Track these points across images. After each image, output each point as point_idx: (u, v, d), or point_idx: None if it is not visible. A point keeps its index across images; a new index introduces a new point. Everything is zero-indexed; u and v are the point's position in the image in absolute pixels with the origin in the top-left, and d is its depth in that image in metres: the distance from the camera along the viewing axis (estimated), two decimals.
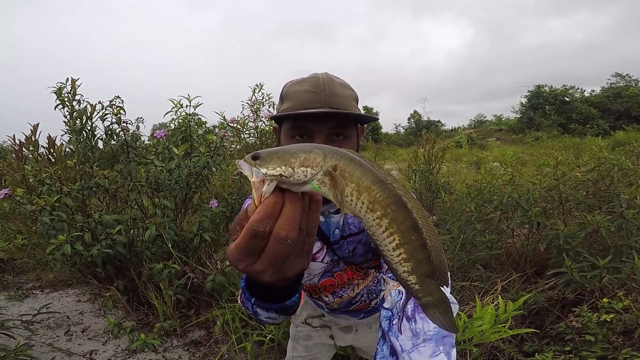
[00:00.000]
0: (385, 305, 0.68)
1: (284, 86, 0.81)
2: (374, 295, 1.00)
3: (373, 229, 0.38)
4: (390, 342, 0.65)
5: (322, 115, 0.72)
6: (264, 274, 0.41)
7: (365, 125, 0.93)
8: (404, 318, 0.64)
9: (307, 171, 0.36)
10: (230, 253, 0.40)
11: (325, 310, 1.09)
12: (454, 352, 0.61)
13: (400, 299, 0.67)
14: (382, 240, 0.38)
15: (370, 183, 0.37)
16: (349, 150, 0.39)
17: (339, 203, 0.37)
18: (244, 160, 0.38)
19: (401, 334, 0.63)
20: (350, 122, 0.77)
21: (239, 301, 0.64)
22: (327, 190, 0.37)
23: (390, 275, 0.73)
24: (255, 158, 0.37)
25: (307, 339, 1.16)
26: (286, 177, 0.36)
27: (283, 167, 0.36)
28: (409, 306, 0.65)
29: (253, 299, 0.52)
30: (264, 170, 0.36)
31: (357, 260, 0.91)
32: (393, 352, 0.64)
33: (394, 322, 0.65)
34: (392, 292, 0.68)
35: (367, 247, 0.89)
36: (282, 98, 0.80)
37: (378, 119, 0.78)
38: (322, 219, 0.87)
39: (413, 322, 0.63)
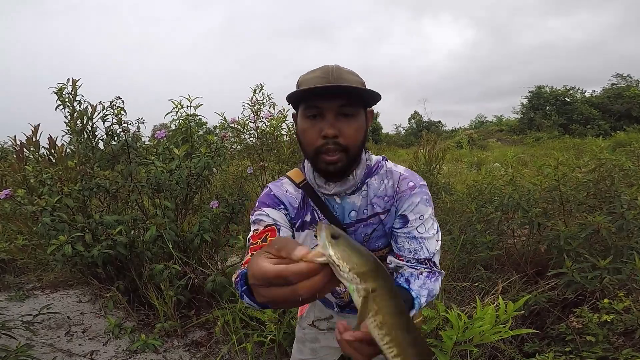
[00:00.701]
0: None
1: (299, 77, 0.87)
2: None
3: (377, 338, 0.46)
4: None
5: (330, 92, 0.76)
6: (265, 300, 0.45)
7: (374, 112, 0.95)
8: None
9: (354, 277, 0.42)
10: (253, 269, 0.44)
11: (335, 308, 1.08)
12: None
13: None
14: (383, 346, 0.46)
15: (390, 312, 0.45)
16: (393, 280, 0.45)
17: (360, 319, 0.44)
18: (326, 228, 0.43)
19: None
20: (356, 101, 0.80)
21: (233, 280, 0.71)
22: (356, 298, 0.43)
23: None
24: (334, 237, 0.43)
25: (314, 341, 1.15)
26: (338, 268, 0.42)
27: (343, 262, 0.42)
28: None
29: (244, 287, 0.64)
30: (331, 252, 0.42)
31: (372, 246, 0.90)
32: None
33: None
34: None
35: (383, 232, 0.89)
36: (298, 86, 0.85)
37: (381, 97, 0.82)
38: (338, 200, 0.88)
39: None
